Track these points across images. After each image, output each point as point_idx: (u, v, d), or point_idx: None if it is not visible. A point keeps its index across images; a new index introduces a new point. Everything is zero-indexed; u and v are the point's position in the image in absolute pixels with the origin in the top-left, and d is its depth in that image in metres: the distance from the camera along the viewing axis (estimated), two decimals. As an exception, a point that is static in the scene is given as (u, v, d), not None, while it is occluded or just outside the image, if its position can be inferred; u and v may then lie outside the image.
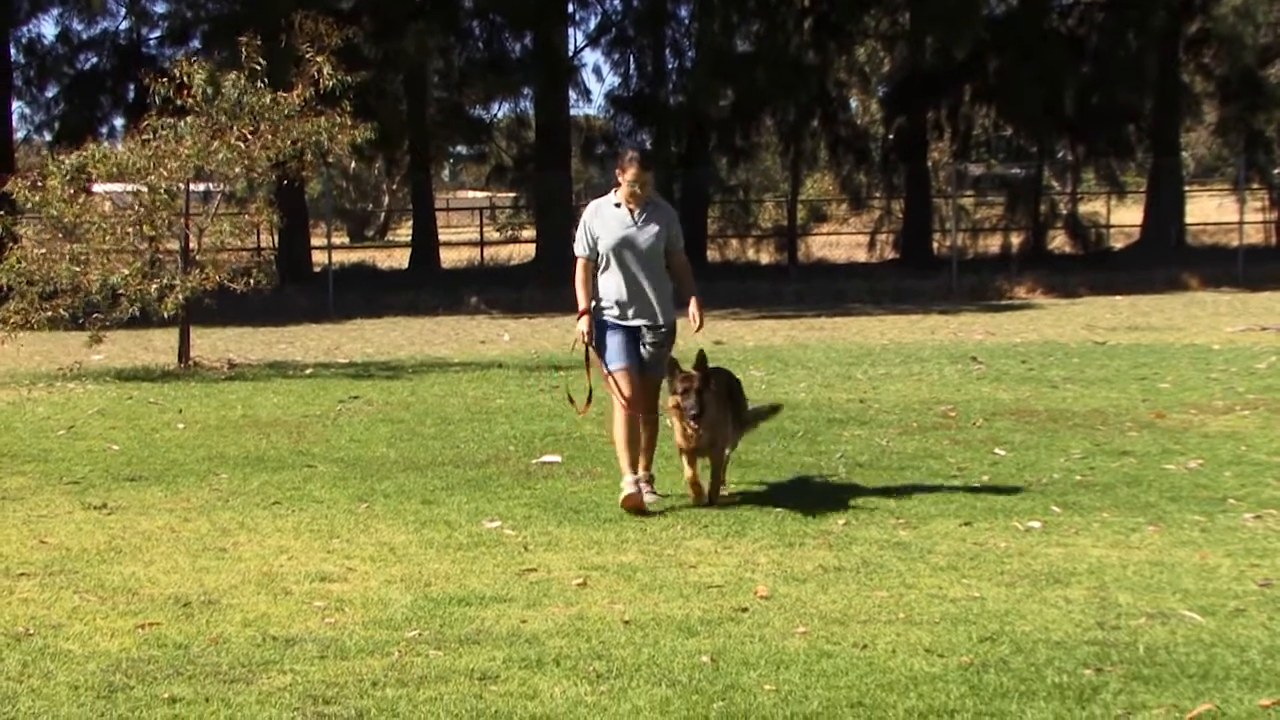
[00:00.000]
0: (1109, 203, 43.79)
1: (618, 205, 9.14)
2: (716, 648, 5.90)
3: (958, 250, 33.62)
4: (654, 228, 9.17)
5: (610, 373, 9.04)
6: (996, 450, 10.67)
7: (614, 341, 9.08)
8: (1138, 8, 35.89)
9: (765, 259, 39.66)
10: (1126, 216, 42.17)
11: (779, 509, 8.64)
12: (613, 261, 9.09)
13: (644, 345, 9.11)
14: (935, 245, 38.33)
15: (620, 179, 9.14)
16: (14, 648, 6.00)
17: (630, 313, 9.05)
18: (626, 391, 8.95)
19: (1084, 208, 42.94)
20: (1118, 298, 27.80)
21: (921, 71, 37.49)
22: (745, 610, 6.45)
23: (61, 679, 5.59)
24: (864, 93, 43.72)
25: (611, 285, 9.07)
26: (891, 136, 40.23)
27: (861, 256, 40.07)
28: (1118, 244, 40.49)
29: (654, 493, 9.08)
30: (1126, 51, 36.78)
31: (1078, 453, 10.51)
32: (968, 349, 18.65)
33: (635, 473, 8.85)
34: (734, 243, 41.02)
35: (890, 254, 39.34)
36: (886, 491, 9.14)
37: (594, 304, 9.10)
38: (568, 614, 6.43)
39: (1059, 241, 40.07)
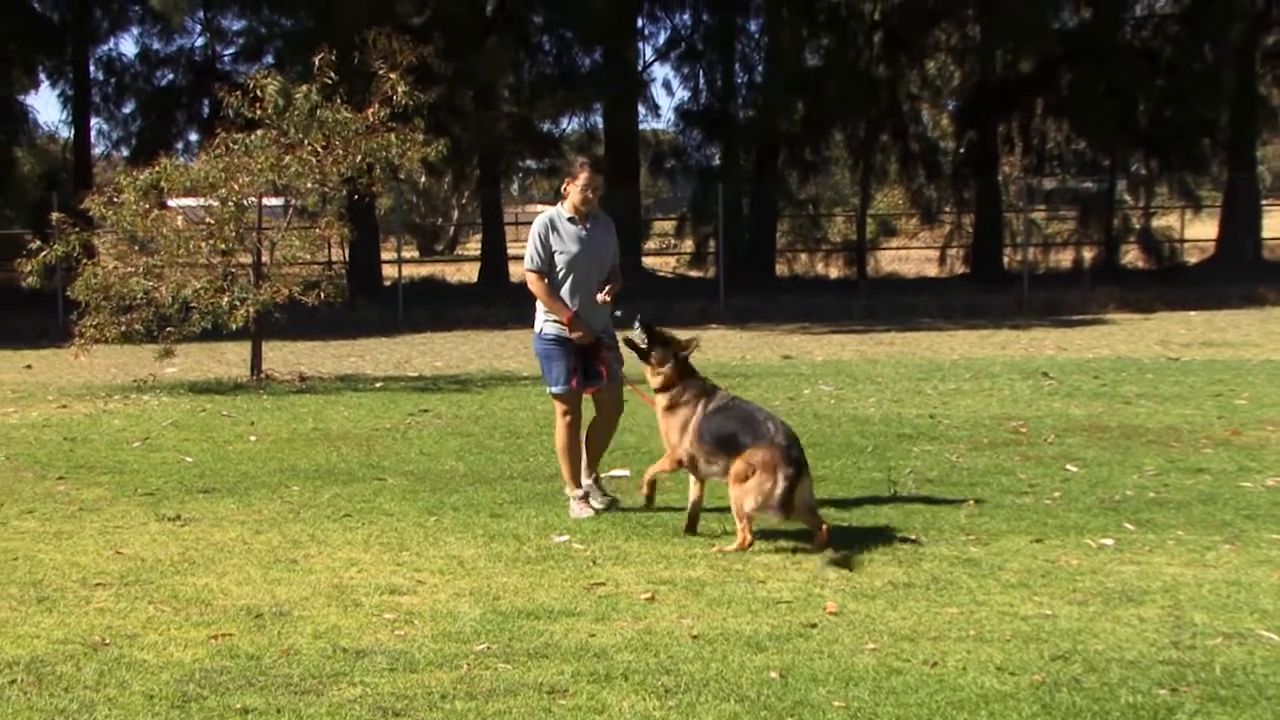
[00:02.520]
0: (1183, 217, 43.26)
1: (571, 219, 9.17)
2: (785, 663, 5.87)
3: (1029, 265, 33.35)
4: (603, 240, 9.35)
5: (557, 393, 9.18)
6: (1068, 466, 10.56)
7: (567, 363, 9.14)
8: (1214, 20, 35.50)
9: (834, 274, 39.50)
10: (1201, 231, 41.66)
11: (848, 524, 8.60)
12: (569, 275, 9.14)
13: (597, 358, 9.17)
14: (1006, 260, 38.04)
15: (570, 189, 9.19)
16: (91, 657, 6.07)
17: (587, 328, 9.09)
18: (575, 411, 9.21)
19: (1158, 222, 42.42)
20: (1192, 313, 27.48)
21: (993, 85, 37.27)
22: (814, 626, 6.42)
23: (137, 689, 5.65)
24: (935, 106, 43.47)
25: (566, 299, 9.12)
26: (962, 150, 39.99)
27: (932, 271, 39.83)
28: (1192, 259, 39.97)
29: (605, 495, 9.27)
30: (1202, 64, 36.40)
31: (1151, 469, 10.39)
32: (1039, 364, 18.49)
33: (581, 485, 9.11)
34: (803, 257, 40.90)
35: (960, 269, 39.08)
36: (957, 507, 9.08)
37: (552, 316, 9.14)
38: (636, 628, 6.42)
39: (1132, 256, 39.66)
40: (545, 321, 9.20)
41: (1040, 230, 39.72)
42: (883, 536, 8.24)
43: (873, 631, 6.34)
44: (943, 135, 43.53)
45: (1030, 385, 16.03)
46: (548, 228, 9.15)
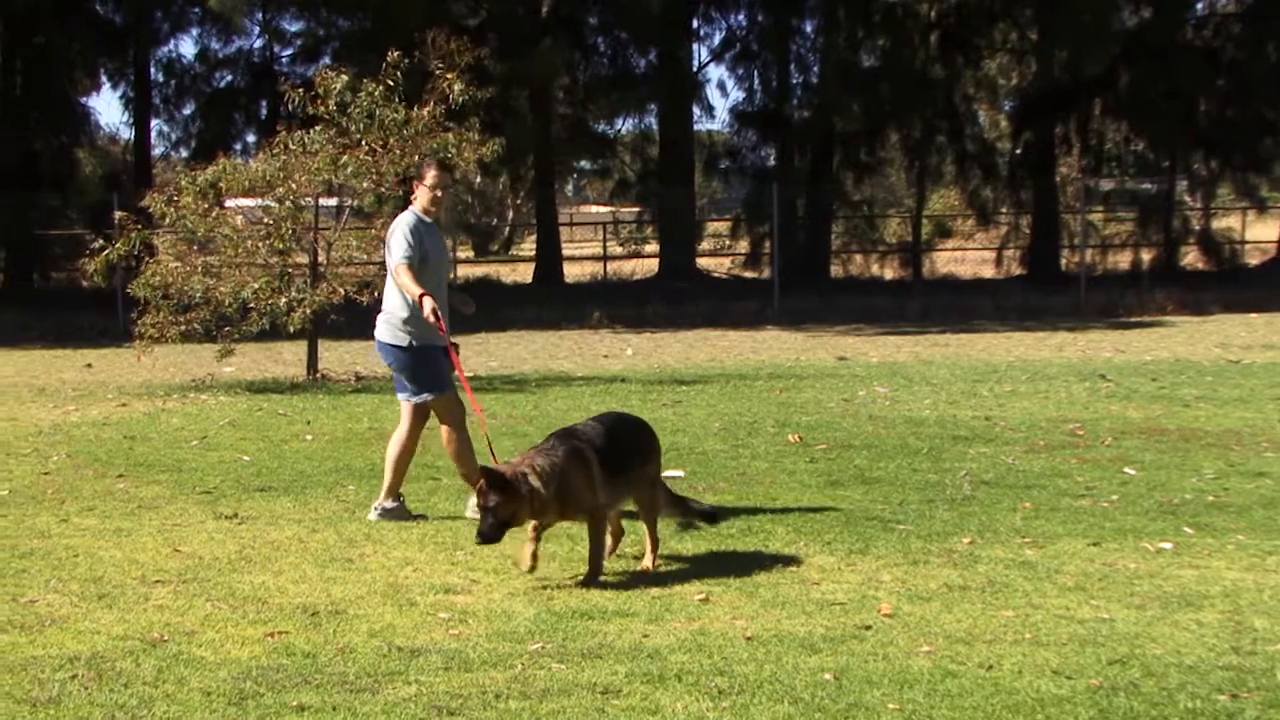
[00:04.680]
0: (1244, 218, 42.83)
1: (428, 220, 9.14)
2: (839, 665, 5.86)
3: (1086, 266, 33.10)
4: (446, 239, 9.37)
5: (439, 398, 9.06)
6: (1126, 469, 10.48)
7: (442, 366, 9.07)
8: (1277, 18, 35.11)
9: (889, 275, 39.36)
10: (1263, 232, 41.25)
11: (903, 526, 8.57)
12: (434, 273, 9.08)
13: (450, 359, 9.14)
14: (1063, 261, 37.77)
15: (419, 190, 9.15)
16: (150, 653, 6.12)
17: (445, 325, 8.95)
18: (424, 420, 9.16)
19: (1218, 223, 42.03)
20: (1253, 315, 27.18)
21: (1051, 85, 37.00)
22: (869, 628, 6.40)
23: (195, 685, 5.70)
24: (992, 107, 43.23)
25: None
26: (1019, 151, 39.74)
27: (988, 272, 39.60)
28: (1253, 260, 39.58)
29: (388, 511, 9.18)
30: (1264, 63, 35.98)
31: (1211, 473, 10.29)
32: (1096, 366, 18.35)
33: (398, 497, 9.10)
34: (858, 258, 40.76)
35: (1017, 270, 38.83)
36: (1012, 510, 9.02)
37: (416, 328, 8.94)
38: (690, 629, 6.42)
39: (1191, 258, 39.28)
40: (413, 332, 8.96)
41: (1098, 231, 39.41)
42: (937, 538, 8.20)
43: (928, 634, 6.31)
44: (999, 136, 43.29)
45: (1087, 387, 15.91)
46: (417, 227, 9.02)
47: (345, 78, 17.80)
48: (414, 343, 9.00)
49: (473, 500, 8.81)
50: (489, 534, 7.17)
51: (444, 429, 9.19)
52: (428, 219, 9.13)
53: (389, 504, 9.13)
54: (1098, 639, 6.19)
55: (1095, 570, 7.42)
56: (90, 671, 5.86)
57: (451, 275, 9.34)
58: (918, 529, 8.48)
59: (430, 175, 9.17)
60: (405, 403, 9.20)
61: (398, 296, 9.03)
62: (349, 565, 7.79)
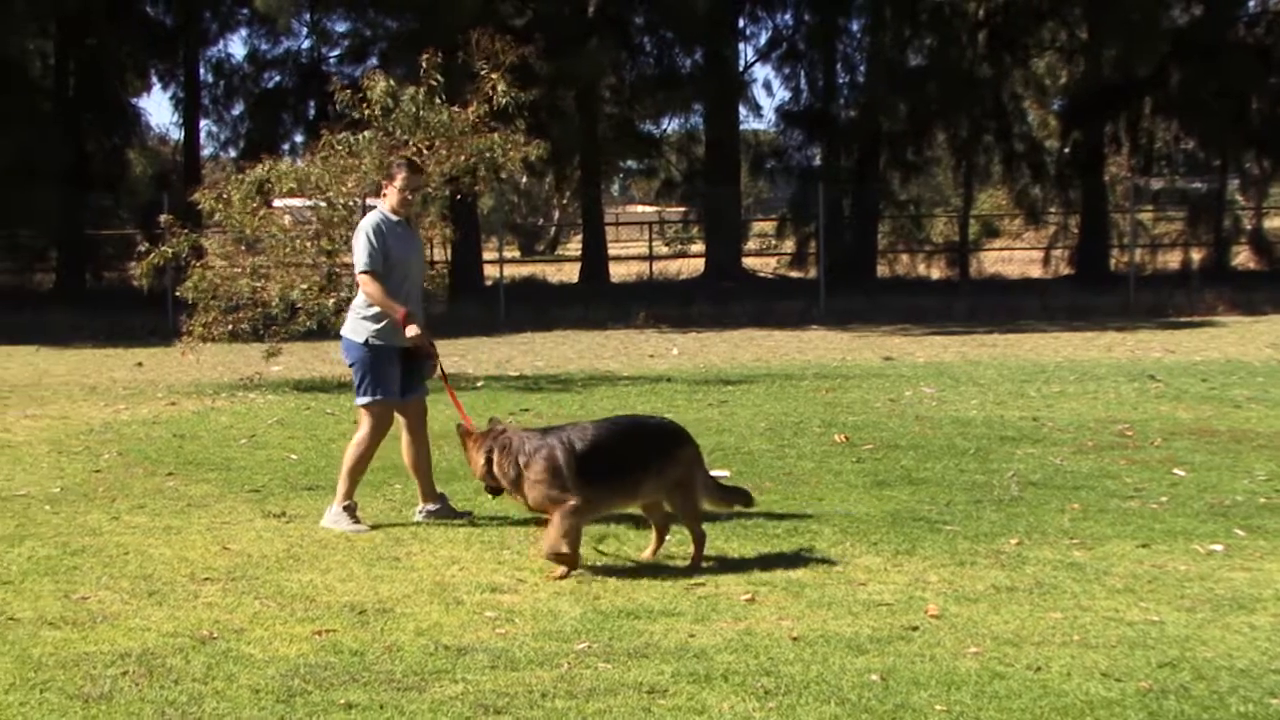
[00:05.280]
0: (1297, 217, 42.48)
1: (396, 221, 9.07)
2: (886, 666, 5.84)
3: (1135, 266, 32.86)
4: (418, 242, 9.38)
5: (379, 403, 8.98)
6: (1176, 471, 10.39)
7: (394, 371, 8.99)
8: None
9: (936, 274, 39.21)
10: (1317, 232, 40.89)
11: (949, 527, 8.53)
12: (403, 276, 9.01)
13: (417, 367, 9.09)
14: (1112, 261, 37.53)
15: (389, 189, 9.08)
16: (199, 650, 6.17)
17: (428, 338, 8.93)
18: (387, 423, 9.08)
19: (1270, 222, 41.65)
20: (1305, 315, 26.94)
21: (1100, 84, 36.75)
22: (915, 629, 6.38)
23: (243, 682, 5.74)
24: (1040, 106, 42.98)
25: (399, 300, 8.92)
26: (1068, 150, 39.51)
27: (1035, 272, 39.39)
28: (1306, 260, 39.24)
29: (433, 510, 9.17)
30: (1319, 61, 35.68)
31: (1263, 474, 10.19)
32: (1146, 367, 18.21)
33: (352, 499, 8.99)
34: (904, 258, 40.64)
35: (1065, 270, 38.62)
36: (1060, 511, 8.97)
37: (381, 326, 8.90)
38: (736, 629, 6.42)
39: (1243, 258, 38.95)
40: (373, 329, 8.92)
41: (1147, 231, 39.14)
42: (984, 539, 8.16)
43: (975, 635, 6.28)
44: (1048, 134, 43.04)
45: (1136, 388, 15.79)
46: (379, 229, 8.96)
47: (385, 83, 17.82)
48: (371, 340, 8.94)
49: (423, 506, 9.09)
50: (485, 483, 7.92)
51: (361, 433, 9.06)
52: (394, 218, 9.07)
53: (342, 504, 9.02)
54: (1147, 641, 6.14)
55: (1144, 572, 7.37)
56: (141, 668, 5.91)
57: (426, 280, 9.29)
58: (965, 530, 8.45)
59: (400, 176, 9.09)
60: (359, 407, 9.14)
61: (363, 294, 9.03)
62: (396, 564, 7.83)
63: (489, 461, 7.75)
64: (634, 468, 7.70)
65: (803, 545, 8.13)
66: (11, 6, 32.69)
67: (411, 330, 8.76)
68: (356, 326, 9.01)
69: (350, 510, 8.95)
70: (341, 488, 9.02)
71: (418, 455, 9.21)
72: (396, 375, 8.99)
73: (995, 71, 38.08)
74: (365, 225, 8.99)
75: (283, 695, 5.57)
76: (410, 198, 9.13)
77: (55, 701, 5.51)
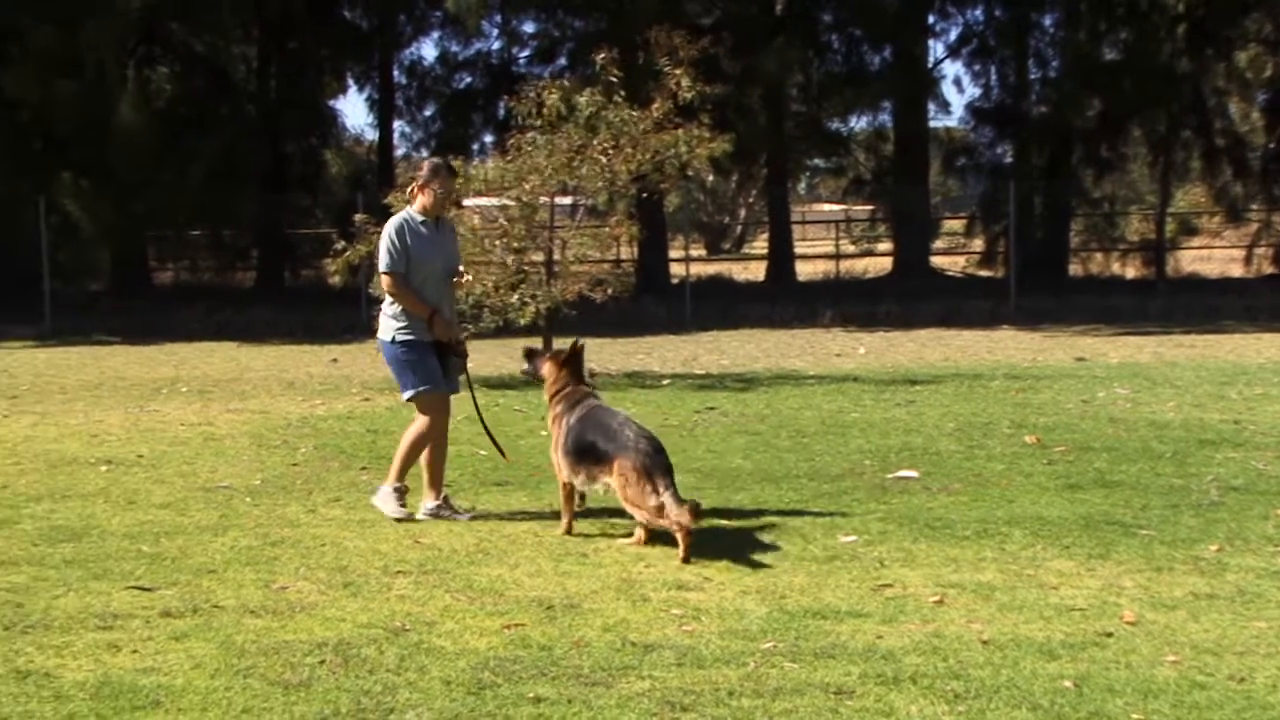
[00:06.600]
0: None
1: (422, 222, 9.10)
2: (1080, 672, 5.72)
3: (1343, 265, 31.66)
4: (452, 242, 9.38)
5: (426, 392, 9.11)
6: (1387, 478, 9.99)
7: (433, 363, 9.11)
8: None
9: (1130, 273, 38.26)
10: None
11: (1145, 532, 8.31)
12: (426, 278, 9.05)
13: (445, 362, 9.19)
14: (1319, 260, 36.25)
15: (419, 192, 9.12)
16: (393, 641, 6.30)
17: (455, 334, 9.05)
18: (444, 414, 9.21)
19: None
20: None
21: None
22: (1110, 635, 6.23)
23: (435, 674, 5.84)
24: (1243, 99, 41.63)
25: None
26: (1273, 145, 38.22)
27: (1236, 271, 38.21)
28: None
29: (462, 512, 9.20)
30: None
31: None
32: (1354, 369, 17.54)
33: (403, 482, 9.18)
34: (1098, 257, 39.75)
35: (1268, 269, 37.39)
36: (1264, 517, 8.68)
37: (407, 322, 9.04)
38: (924, 631, 6.34)
39: None
40: (399, 329, 9.08)
41: (1357, 228, 37.72)
42: (1182, 545, 7.94)
43: (1173, 643, 6.11)
44: (1251, 129, 41.69)
45: (1344, 391, 15.22)
46: (402, 230, 9.06)
47: (560, 91, 17.94)
48: (398, 336, 9.12)
49: (427, 503, 9.16)
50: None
51: (419, 420, 9.24)
52: (419, 218, 9.19)
53: (393, 484, 9.22)
54: (1356, 654, 5.92)
55: (1353, 582, 7.10)
56: (337, 657, 6.06)
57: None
58: (1161, 535, 8.23)
59: (428, 175, 9.24)
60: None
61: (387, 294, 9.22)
62: (583, 560, 7.90)
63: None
64: (597, 453, 8.40)
65: (992, 547, 8.01)
66: (219, 12, 33.79)
67: (440, 329, 9.07)
68: (384, 326, 9.26)
69: (400, 493, 9.21)
70: (394, 468, 9.28)
71: (434, 450, 9.33)
72: (435, 365, 9.21)
73: (1195, 65, 36.99)
74: (389, 227, 9.22)
75: (473, 688, 5.66)
76: (440, 195, 9.25)
77: (258, 688, 5.68)
